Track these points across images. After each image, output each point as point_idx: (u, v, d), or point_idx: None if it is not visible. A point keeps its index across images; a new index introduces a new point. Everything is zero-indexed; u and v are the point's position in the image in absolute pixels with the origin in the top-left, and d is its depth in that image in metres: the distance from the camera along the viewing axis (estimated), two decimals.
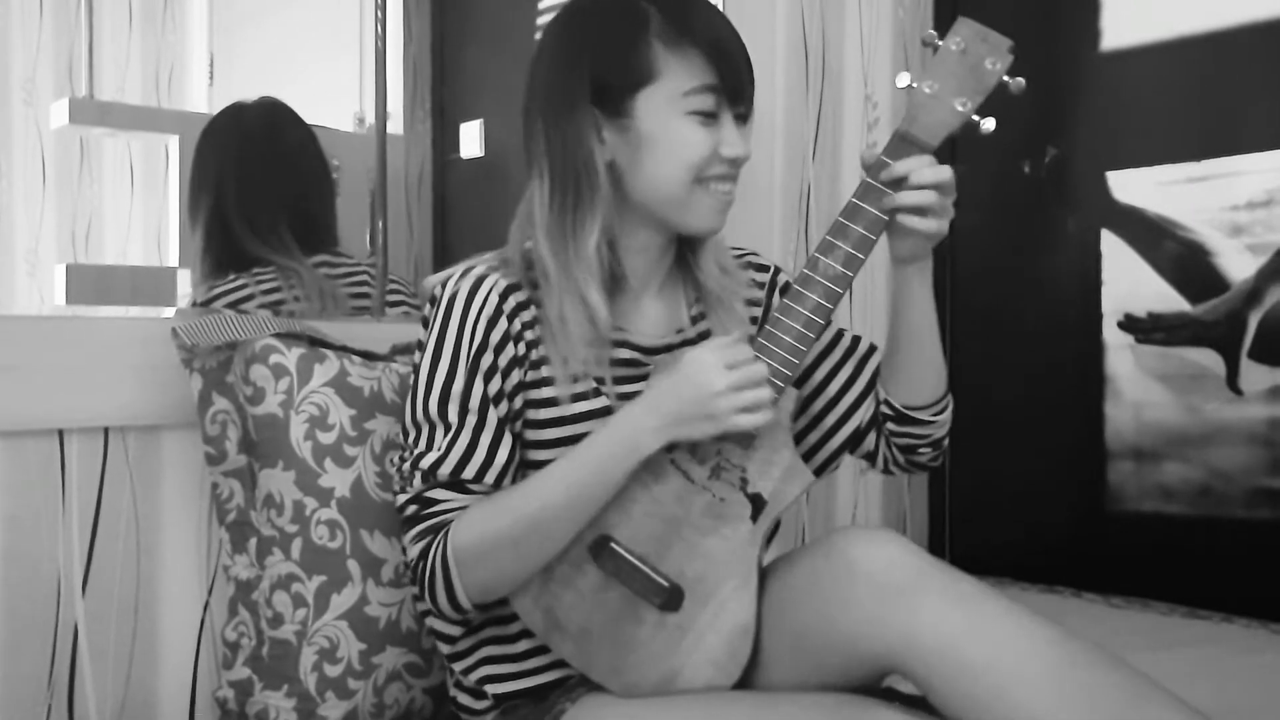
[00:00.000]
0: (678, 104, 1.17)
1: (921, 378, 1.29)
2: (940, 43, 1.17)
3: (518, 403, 1.19)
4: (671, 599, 1.16)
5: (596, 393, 1.20)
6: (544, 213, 1.20)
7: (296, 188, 1.87)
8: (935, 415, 1.31)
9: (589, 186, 1.18)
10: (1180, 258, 1.98)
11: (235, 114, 1.86)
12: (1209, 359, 1.94)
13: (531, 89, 1.23)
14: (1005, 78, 1.15)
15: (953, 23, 1.17)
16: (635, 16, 1.18)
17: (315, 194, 1.90)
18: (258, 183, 1.82)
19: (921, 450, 1.33)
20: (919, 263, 1.23)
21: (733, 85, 1.19)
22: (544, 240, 1.19)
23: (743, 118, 1.22)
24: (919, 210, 1.15)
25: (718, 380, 1.11)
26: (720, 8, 1.92)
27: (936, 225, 1.16)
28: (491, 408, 1.17)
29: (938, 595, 1.05)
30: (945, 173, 1.15)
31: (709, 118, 1.18)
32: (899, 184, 1.15)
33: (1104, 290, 2.07)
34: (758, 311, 1.36)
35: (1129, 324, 2.04)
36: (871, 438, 1.34)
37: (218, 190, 1.80)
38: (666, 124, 1.18)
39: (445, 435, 1.16)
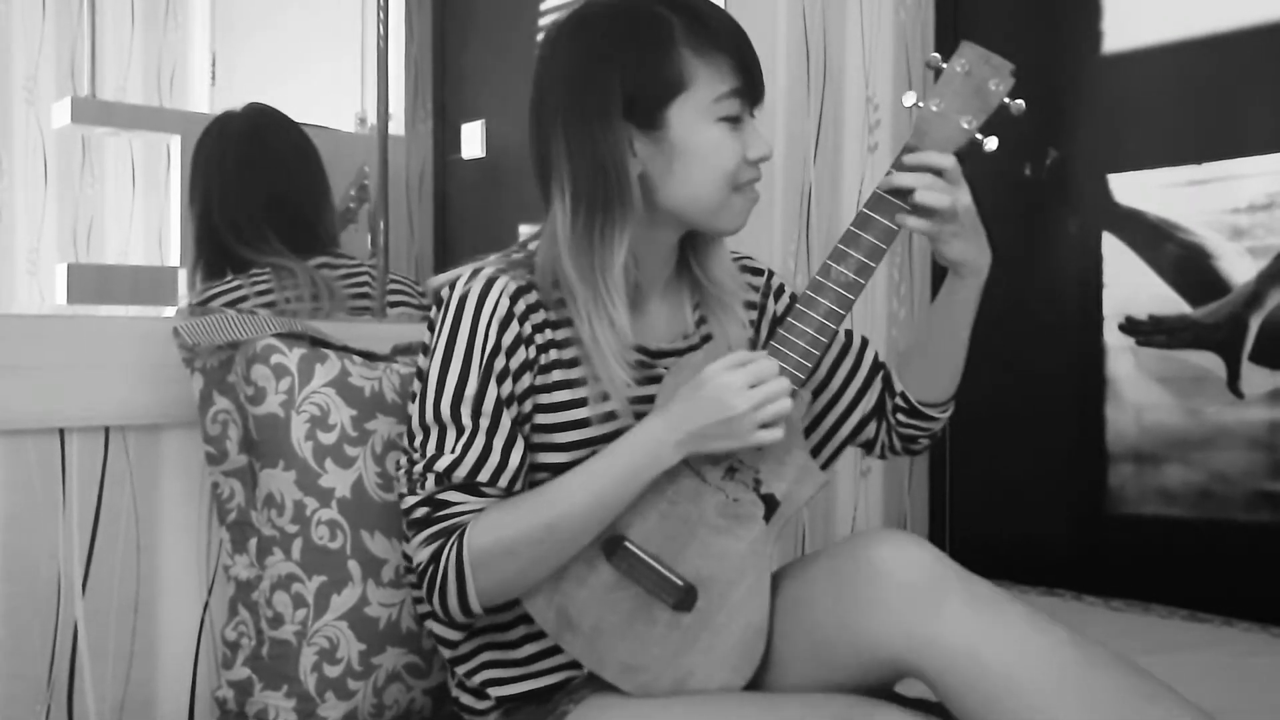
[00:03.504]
0: (708, 111, 1.17)
1: (945, 378, 1.34)
2: (945, 65, 1.20)
3: (527, 406, 1.19)
4: (686, 598, 1.16)
5: (606, 396, 1.20)
6: (568, 231, 1.17)
7: (280, 191, 1.87)
8: (944, 411, 1.36)
9: (621, 201, 1.16)
10: (1181, 260, 1.99)
11: (222, 122, 1.87)
12: (1210, 362, 1.94)
13: (547, 103, 1.19)
14: (1006, 99, 1.18)
15: (954, 31, 1.19)
16: (658, 25, 1.16)
17: (304, 196, 1.90)
18: (240, 187, 1.83)
19: (921, 440, 1.39)
20: (973, 277, 1.26)
21: (754, 86, 1.19)
22: (569, 259, 1.17)
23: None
24: (928, 193, 1.17)
25: (740, 401, 1.12)
26: (722, 6, 1.93)
27: (950, 202, 1.17)
28: (504, 410, 1.16)
29: (959, 597, 1.07)
30: (948, 160, 1.18)
31: (736, 122, 1.18)
32: (908, 195, 1.17)
33: (1105, 293, 2.08)
34: (754, 315, 1.37)
35: (1130, 326, 2.04)
36: (872, 427, 1.39)
37: (205, 197, 1.82)
38: (699, 132, 1.17)
39: (458, 438, 1.15)
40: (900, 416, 1.36)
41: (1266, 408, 1.88)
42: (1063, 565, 2.09)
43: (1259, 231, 1.89)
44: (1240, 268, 1.91)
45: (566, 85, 1.18)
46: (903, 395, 1.35)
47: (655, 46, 1.16)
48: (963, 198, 1.18)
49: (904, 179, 1.17)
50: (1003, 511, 2.22)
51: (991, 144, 1.19)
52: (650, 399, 1.20)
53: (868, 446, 1.40)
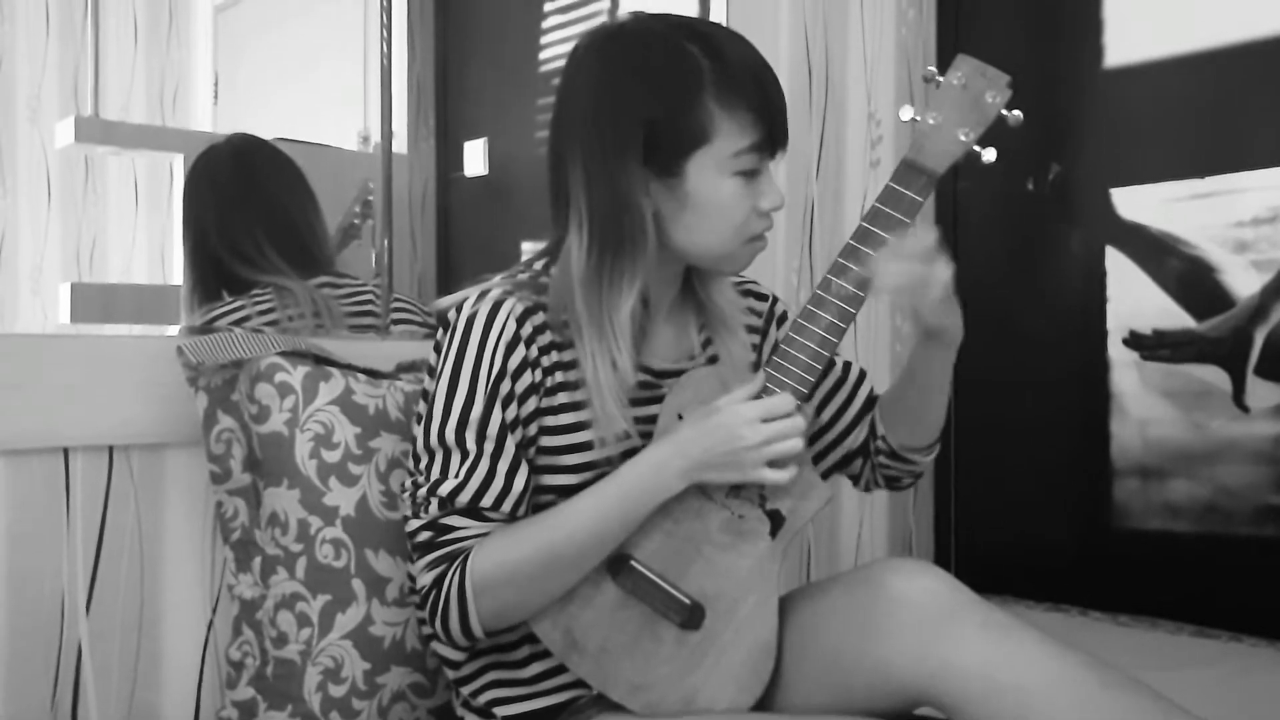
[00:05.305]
0: (725, 165, 1.16)
1: (924, 428, 1.32)
2: (941, 78, 1.20)
3: (532, 430, 1.19)
4: (693, 616, 1.16)
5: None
6: (581, 265, 1.16)
7: (270, 211, 1.88)
8: (927, 456, 1.35)
9: (634, 245, 1.16)
10: (1185, 274, 1.98)
11: (206, 154, 1.88)
12: (1215, 376, 1.94)
13: (568, 130, 1.18)
14: (1004, 111, 1.18)
15: (955, 47, 1.19)
16: (688, 67, 1.14)
17: (295, 214, 1.91)
18: (236, 210, 1.85)
19: (904, 481, 1.39)
20: (954, 342, 1.23)
21: (775, 139, 1.18)
22: (580, 294, 1.17)
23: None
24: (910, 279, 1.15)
25: (750, 434, 1.11)
26: (724, 22, 1.93)
27: (924, 275, 1.15)
28: (509, 435, 1.16)
29: (975, 624, 1.07)
30: (929, 237, 1.15)
31: (752, 174, 1.18)
32: (907, 205, 1.17)
33: (1109, 307, 2.07)
34: (757, 339, 1.37)
35: (1134, 341, 2.04)
36: (858, 463, 1.39)
37: (199, 224, 1.83)
38: (714, 186, 1.16)
39: (463, 462, 1.15)
40: (883, 459, 1.35)
41: (1271, 421, 1.88)
42: (1068, 581, 2.09)
43: (1263, 245, 1.89)
44: (1244, 281, 1.91)
45: (588, 115, 1.17)
46: (884, 439, 1.34)
47: (682, 94, 1.14)
48: (945, 270, 1.16)
49: (901, 199, 1.16)
50: (1008, 527, 2.22)
51: (990, 155, 1.18)
52: (654, 419, 1.20)
53: (853, 480, 1.41)
